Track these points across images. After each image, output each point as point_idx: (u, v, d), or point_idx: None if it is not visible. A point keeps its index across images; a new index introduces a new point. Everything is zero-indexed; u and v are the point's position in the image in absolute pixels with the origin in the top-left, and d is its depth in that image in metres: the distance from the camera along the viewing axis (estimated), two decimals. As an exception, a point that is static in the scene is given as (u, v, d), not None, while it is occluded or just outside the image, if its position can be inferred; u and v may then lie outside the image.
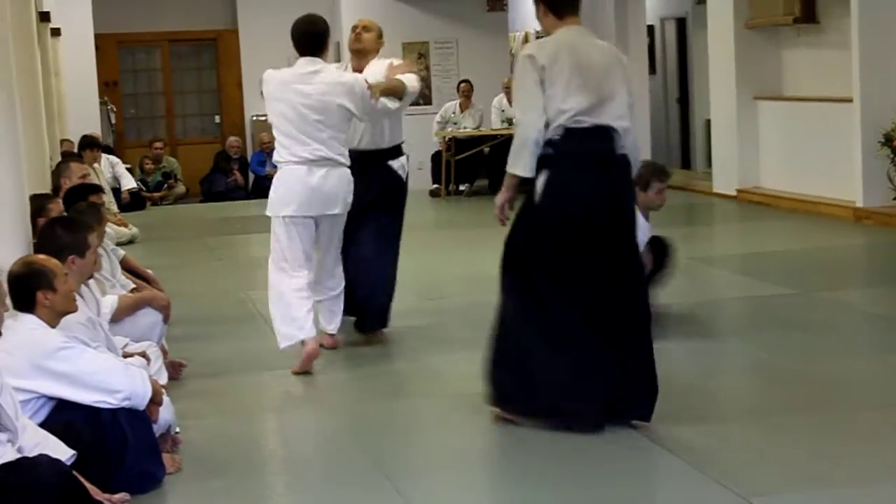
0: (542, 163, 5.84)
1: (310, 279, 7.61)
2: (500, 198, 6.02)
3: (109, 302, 6.86)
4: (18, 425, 4.69)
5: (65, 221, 6.18)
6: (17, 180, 5.86)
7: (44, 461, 4.55)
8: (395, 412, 6.63)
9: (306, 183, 7.44)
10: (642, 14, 18.34)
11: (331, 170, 7.49)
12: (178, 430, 5.94)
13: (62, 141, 13.93)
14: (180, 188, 18.63)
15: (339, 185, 7.53)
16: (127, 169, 16.59)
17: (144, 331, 6.96)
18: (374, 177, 8.10)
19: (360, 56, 8.34)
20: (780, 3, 13.87)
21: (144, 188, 18.02)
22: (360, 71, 8.09)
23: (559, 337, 5.85)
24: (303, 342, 7.44)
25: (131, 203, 16.23)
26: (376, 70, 8.13)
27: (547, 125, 5.80)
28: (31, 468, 4.47)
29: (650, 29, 19.03)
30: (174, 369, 7.28)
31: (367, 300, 8.18)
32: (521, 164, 5.86)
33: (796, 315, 8.43)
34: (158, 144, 18.86)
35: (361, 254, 8.06)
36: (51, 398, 5.16)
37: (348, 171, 7.60)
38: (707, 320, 8.36)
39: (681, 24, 19.09)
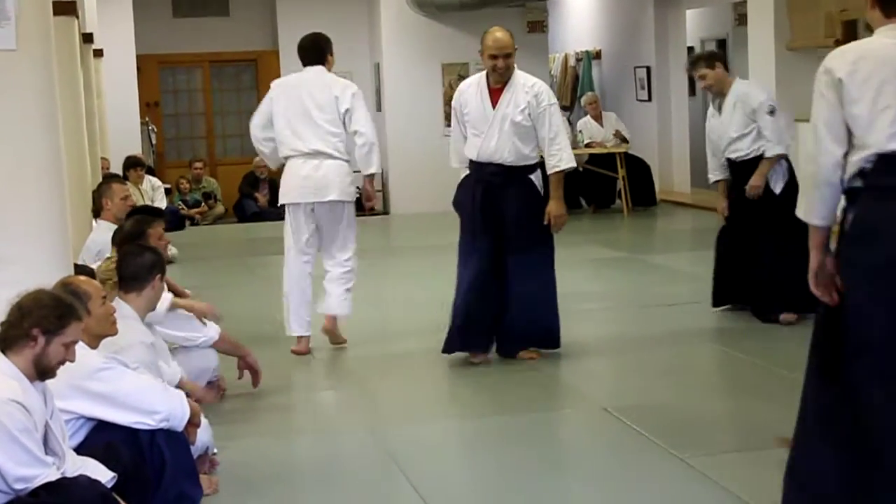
0: (849, 198, 4.38)
1: (311, 265, 8.66)
2: (813, 262, 4.42)
3: (216, 329, 7.16)
4: (66, 449, 4.71)
5: (147, 246, 6.35)
6: (60, 201, 5.88)
7: (83, 481, 4.57)
8: (432, 433, 6.62)
9: (299, 173, 8.49)
10: (683, 35, 18.33)
11: (323, 161, 8.44)
12: (215, 451, 5.95)
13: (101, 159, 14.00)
14: (219, 208, 18.70)
15: (330, 174, 8.44)
16: (167, 189, 16.65)
17: (195, 373, 7.03)
18: (516, 191, 8.09)
19: (502, 81, 8.21)
20: (821, 25, 13.82)
21: (184, 207, 18.10)
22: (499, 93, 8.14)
23: None
24: (298, 338, 8.65)
25: (171, 223, 16.28)
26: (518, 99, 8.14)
27: (846, 155, 4.35)
28: (71, 488, 4.48)
29: (690, 50, 18.99)
30: (215, 392, 7.31)
31: (532, 323, 8.14)
32: (810, 209, 4.44)
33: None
34: (198, 165, 18.93)
35: (518, 286, 8.10)
36: (90, 419, 5.18)
37: (344, 163, 8.50)
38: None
39: (721, 45, 19.04)
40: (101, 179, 11.72)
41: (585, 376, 7.90)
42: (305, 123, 8.44)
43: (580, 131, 17.44)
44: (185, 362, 7.04)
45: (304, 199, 8.49)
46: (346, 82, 8.73)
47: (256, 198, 18.54)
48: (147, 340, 5.88)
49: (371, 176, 8.60)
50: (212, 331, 7.22)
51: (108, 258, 6.72)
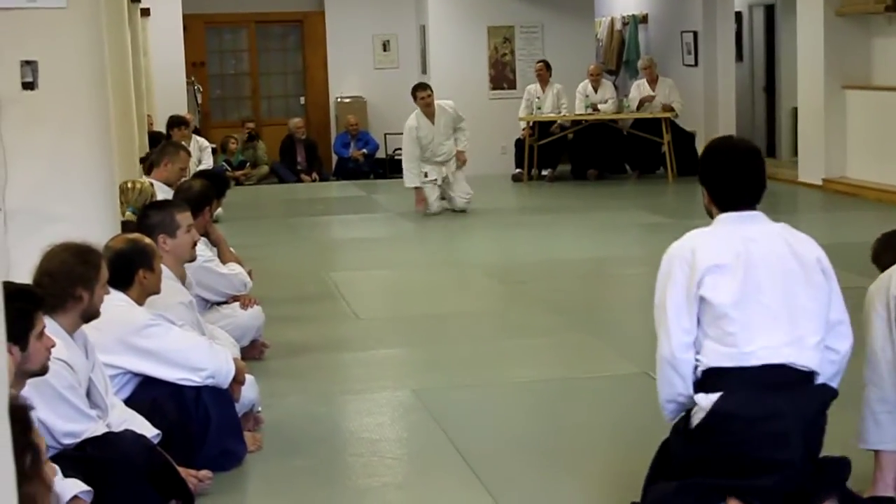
0: None
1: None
2: None
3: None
4: (108, 402, 4.76)
5: (155, 203, 6.30)
6: (107, 158, 5.93)
7: (129, 436, 4.63)
8: (475, 396, 6.64)
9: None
10: (730, 0, 18.18)
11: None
12: (259, 409, 5.99)
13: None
14: (263, 169, 18.72)
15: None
16: (213, 150, 16.67)
17: (241, 331, 7.10)
18: None
19: None
20: (871, -10, 13.70)
21: (229, 168, 18.13)
22: None
23: None
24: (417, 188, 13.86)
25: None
26: None
27: None
28: (117, 442, 4.54)
29: (738, 16, 18.85)
30: (257, 350, 7.36)
31: None
32: None
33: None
34: (250, 125, 18.93)
35: None
36: (136, 375, 5.24)
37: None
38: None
39: (769, 11, 18.89)
40: (146, 138, 11.77)
41: (627, 340, 7.90)
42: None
43: (625, 96, 17.36)
44: (233, 320, 7.10)
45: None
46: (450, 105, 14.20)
47: (298, 159, 18.52)
48: (185, 300, 5.91)
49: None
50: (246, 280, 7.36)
51: None
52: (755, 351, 4.17)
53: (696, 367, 4.27)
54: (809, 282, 4.28)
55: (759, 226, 4.37)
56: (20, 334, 4.00)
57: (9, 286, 3.99)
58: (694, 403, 4.26)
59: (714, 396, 4.19)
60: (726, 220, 4.37)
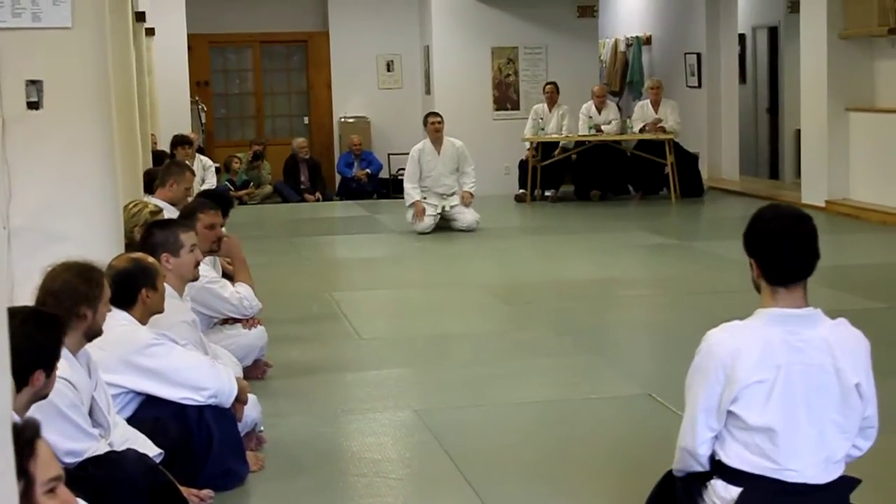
0: None
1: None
2: None
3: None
4: (110, 420, 4.76)
5: (159, 222, 6.31)
6: (111, 178, 5.94)
7: (131, 456, 4.62)
8: (478, 416, 6.64)
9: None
10: (734, 23, 18.22)
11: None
12: (262, 428, 5.99)
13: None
14: (267, 188, 18.74)
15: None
16: (216, 169, 16.69)
17: (244, 350, 7.10)
18: None
19: None
20: (874, 13, 13.71)
21: (232, 188, 18.15)
22: None
23: None
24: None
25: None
26: None
27: None
28: (119, 462, 4.53)
29: (741, 38, 18.89)
30: (260, 369, 7.36)
31: None
32: None
33: (885, 330, 8.31)
34: (258, 148, 18.91)
35: None
36: (139, 394, 5.24)
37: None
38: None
39: (773, 33, 18.93)
40: (150, 157, 11.77)
41: (631, 361, 7.89)
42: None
43: (628, 117, 17.37)
44: (236, 339, 7.10)
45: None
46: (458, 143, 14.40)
47: (301, 178, 18.51)
48: (188, 319, 5.91)
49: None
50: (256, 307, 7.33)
51: None
52: (783, 471, 3.97)
53: (713, 455, 4.08)
54: (845, 402, 4.02)
55: (810, 330, 4.11)
56: (51, 362, 4.01)
57: (40, 314, 4.06)
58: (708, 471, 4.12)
59: (734, 491, 4.01)
60: (774, 319, 4.10)
